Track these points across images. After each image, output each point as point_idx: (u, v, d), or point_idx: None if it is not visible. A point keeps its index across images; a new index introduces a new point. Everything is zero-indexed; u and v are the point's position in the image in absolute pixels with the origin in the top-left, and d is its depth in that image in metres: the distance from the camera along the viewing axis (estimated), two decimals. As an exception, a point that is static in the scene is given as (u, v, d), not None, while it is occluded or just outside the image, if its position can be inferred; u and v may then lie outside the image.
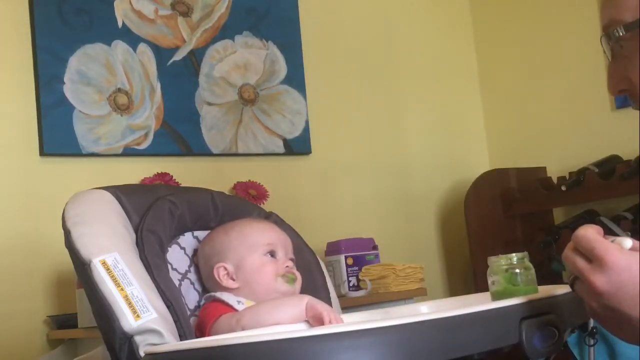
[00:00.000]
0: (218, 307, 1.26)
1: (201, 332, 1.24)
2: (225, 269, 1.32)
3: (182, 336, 1.17)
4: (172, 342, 1.11)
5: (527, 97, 3.33)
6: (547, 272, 2.79)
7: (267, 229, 1.37)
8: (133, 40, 2.61)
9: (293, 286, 1.32)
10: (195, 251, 1.40)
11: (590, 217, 2.77)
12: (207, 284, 1.36)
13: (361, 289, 2.60)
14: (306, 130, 2.94)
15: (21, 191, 2.38)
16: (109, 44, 2.56)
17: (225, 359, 0.84)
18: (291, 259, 1.36)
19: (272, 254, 1.34)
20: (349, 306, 2.33)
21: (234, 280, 1.31)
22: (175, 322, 1.17)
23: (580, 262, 0.83)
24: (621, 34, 0.97)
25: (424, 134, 3.32)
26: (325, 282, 1.48)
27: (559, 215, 3.12)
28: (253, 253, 1.33)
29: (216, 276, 1.31)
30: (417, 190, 3.23)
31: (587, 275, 0.81)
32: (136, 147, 2.57)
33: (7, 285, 2.31)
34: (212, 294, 1.31)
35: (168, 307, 1.18)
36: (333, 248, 2.68)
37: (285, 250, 1.36)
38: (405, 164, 3.22)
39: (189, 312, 1.31)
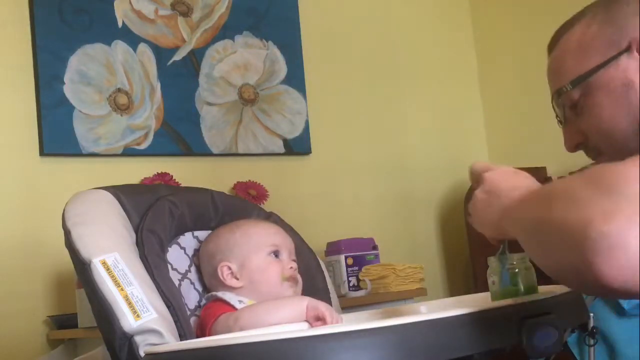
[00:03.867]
0: (219, 307, 1.26)
1: (202, 331, 1.24)
2: (229, 267, 1.32)
3: (182, 336, 1.17)
4: (172, 342, 1.11)
5: (527, 97, 3.33)
6: (547, 272, 2.79)
7: (272, 230, 1.38)
8: (133, 40, 2.61)
9: (296, 289, 1.33)
10: (196, 251, 1.40)
11: (590, 217, 2.77)
12: (209, 283, 1.36)
13: (361, 289, 2.60)
14: (306, 130, 2.94)
15: (21, 191, 2.38)
16: (109, 44, 2.57)
17: (225, 359, 0.84)
18: (293, 261, 1.36)
19: (277, 254, 1.34)
20: (349, 306, 2.33)
21: (237, 279, 1.31)
22: (175, 322, 1.18)
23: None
24: (569, 89, 1.09)
25: (424, 134, 3.32)
26: (325, 282, 1.48)
27: (559, 215, 3.11)
28: (258, 253, 1.33)
29: (220, 275, 1.31)
30: (417, 191, 3.23)
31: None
32: (136, 147, 2.57)
33: (7, 285, 2.31)
34: (214, 293, 1.31)
35: (168, 307, 1.18)
36: (333, 248, 2.68)
37: (289, 251, 1.36)
38: (405, 164, 3.22)
39: (189, 312, 1.31)
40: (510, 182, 1.01)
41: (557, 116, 1.18)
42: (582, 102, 1.10)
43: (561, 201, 0.75)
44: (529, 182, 1.01)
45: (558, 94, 1.13)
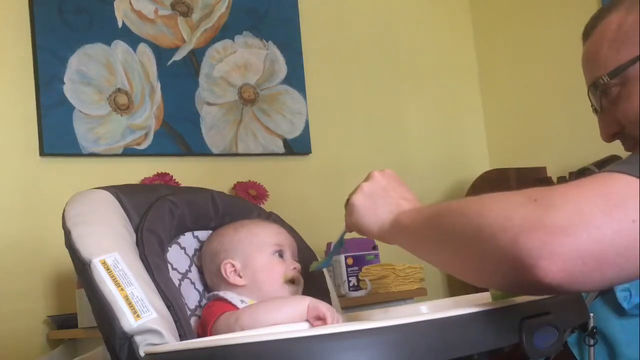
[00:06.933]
0: (221, 306, 1.26)
1: (203, 330, 1.24)
2: (233, 265, 1.32)
3: (182, 336, 1.16)
4: (172, 342, 1.11)
5: (527, 97, 3.33)
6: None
7: (276, 230, 1.38)
8: (133, 40, 2.61)
9: (298, 290, 1.33)
10: (196, 251, 1.40)
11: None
12: (211, 282, 1.36)
13: (361, 289, 2.60)
14: (306, 130, 2.94)
15: (21, 191, 2.39)
16: (109, 44, 2.57)
17: (225, 359, 0.84)
18: (296, 262, 1.37)
19: (280, 254, 1.34)
20: (349, 306, 2.33)
21: (240, 277, 1.31)
22: (176, 322, 1.17)
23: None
24: (606, 80, 1.10)
25: (424, 134, 3.32)
26: (325, 282, 1.48)
27: (559, 215, 3.11)
28: (262, 252, 1.33)
29: (223, 272, 1.31)
30: (417, 190, 3.17)
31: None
32: (136, 147, 2.57)
33: (7, 285, 2.31)
34: (216, 292, 1.31)
35: (168, 307, 1.18)
36: (333, 248, 2.68)
37: (292, 252, 1.37)
38: (405, 164, 3.22)
39: (189, 312, 1.31)
40: (399, 191, 1.10)
41: (592, 105, 1.16)
42: (618, 92, 1.10)
43: (496, 210, 0.82)
44: (414, 198, 1.11)
45: (595, 86, 1.12)
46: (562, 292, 0.79)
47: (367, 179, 1.13)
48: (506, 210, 0.81)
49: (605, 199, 0.77)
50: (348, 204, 1.15)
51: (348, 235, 1.12)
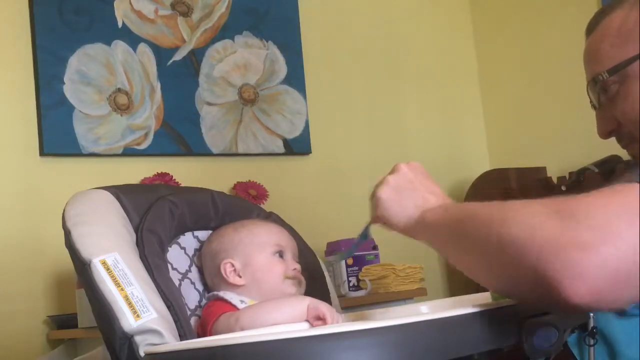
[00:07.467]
0: (220, 306, 1.26)
1: (203, 331, 1.24)
2: (233, 265, 1.32)
3: (182, 336, 1.16)
4: (172, 342, 1.11)
5: (527, 97, 3.33)
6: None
7: (276, 230, 1.38)
8: (133, 40, 2.61)
9: (299, 290, 1.33)
10: (196, 251, 1.40)
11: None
12: (211, 282, 1.36)
13: (361, 289, 2.60)
14: (306, 130, 2.94)
15: (21, 191, 2.39)
16: (109, 44, 2.57)
17: (225, 359, 0.84)
18: (297, 262, 1.36)
19: (281, 254, 1.34)
20: (349, 306, 2.33)
21: (240, 277, 1.31)
22: (175, 322, 1.17)
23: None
24: (606, 77, 1.10)
25: (424, 134, 3.32)
26: (325, 282, 1.48)
27: (559, 215, 3.11)
28: (262, 252, 1.33)
29: (223, 272, 1.31)
30: (417, 190, 3.23)
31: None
32: (136, 147, 2.57)
33: (7, 285, 2.31)
34: (215, 292, 1.31)
35: (168, 307, 1.18)
36: (333, 248, 2.68)
37: (293, 253, 1.36)
38: (405, 164, 3.22)
39: (189, 312, 1.31)
40: (425, 184, 1.06)
41: (590, 101, 1.16)
42: (617, 90, 1.10)
43: (519, 222, 0.79)
44: (442, 192, 1.06)
45: (594, 81, 1.13)
46: (592, 311, 0.76)
47: (393, 171, 1.10)
48: (529, 223, 0.78)
49: (630, 211, 0.74)
50: (373, 197, 1.12)
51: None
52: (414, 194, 1.05)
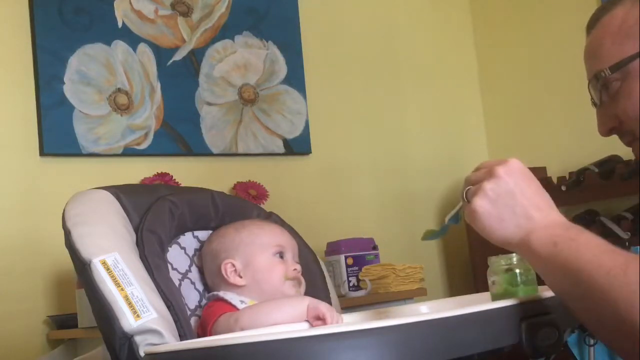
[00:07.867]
0: (220, 307, 1.26)
1: (203, 331, 1.24)
2: (233, 265, 1.32)
3: (182, 336, 1.16)
4: (172, 342, 1.11)
5: (527, 97, 3.33)
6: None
7: (277, 231, 1.38)
8: (133, 40, 2.61)
9: (299, 291, 1.33)
10: (196, 251, 1.40)
11: (590, 217, 2.77)
12: (211, 282, 1.36)
13: (361, 289, 2.60)
14: (306, 130, 2.94)
15: (21, 191, 2.39)
16: (109, 44, 2.57)
17: (225, 359, 0.84)
18: (297, 263, 1.37)
19: (281, 255, 1.34)
20: (349, 306, 2.33)
21: (241, 277, 1.31)
22: (175, 322, 1.17)
23: (477, 173, 1.01)
24: (607, 74, 1.09)
25: (424, 134, 3.32)
26: (325, 282, 1.48)
27: (558, 215, 3.11)
28: (263, 252, 1.33)
29: (223, 272, 1.31)
30: (417, 190, 3.23)
31: (487, 168, 0.98)
32: (136, 147, 2.57)
33: (7, 285, 2.31)
34: (215, 293, 1.31)
35: (168, 307, 1.18)
36: (333, 248, 2.68)
37: (293, 253, 1.36)
38: (405, 164, 3.22)
39: (189, 312, 1.31)
40: (528, 195, 0.95)
41: (591, 98, 1.16)
42: (619, 87, 1.10)
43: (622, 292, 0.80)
44: (550, 202, 0.97)
45: (596, 78, 1.12)
46: None
47: (489, 176, 0.97)
48: None
49: None
50: (469, 208, 0.99)
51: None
52: (515, 210, 0.94)
